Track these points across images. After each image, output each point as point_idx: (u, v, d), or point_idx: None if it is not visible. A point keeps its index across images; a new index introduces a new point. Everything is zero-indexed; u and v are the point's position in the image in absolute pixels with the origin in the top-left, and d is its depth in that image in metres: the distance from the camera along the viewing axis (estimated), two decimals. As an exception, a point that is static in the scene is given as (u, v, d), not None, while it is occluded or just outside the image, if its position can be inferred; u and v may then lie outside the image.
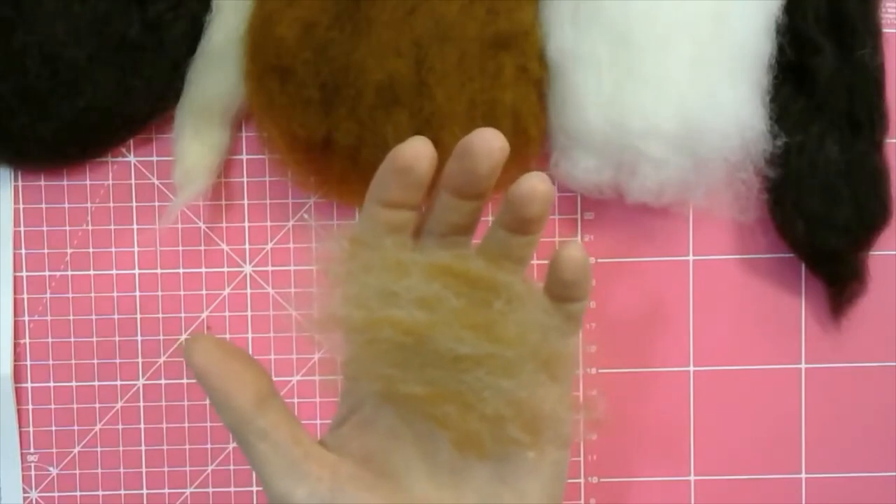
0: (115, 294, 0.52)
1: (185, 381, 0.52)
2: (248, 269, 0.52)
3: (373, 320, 0.35)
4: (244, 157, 0.52)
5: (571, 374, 0.40)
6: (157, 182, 0.52)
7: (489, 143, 0.35)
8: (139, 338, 0.52)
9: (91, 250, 0.52)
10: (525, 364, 0.35)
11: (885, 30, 0.50)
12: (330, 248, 0.37)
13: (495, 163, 0.36)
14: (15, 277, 0.52)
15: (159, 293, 0.52)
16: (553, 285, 0.38)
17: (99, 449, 0.52)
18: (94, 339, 0.52)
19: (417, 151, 0.36)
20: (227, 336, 0.52)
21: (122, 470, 0.52)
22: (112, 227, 0.52)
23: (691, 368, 0.52)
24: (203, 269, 0.52)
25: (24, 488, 0.52)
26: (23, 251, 0.52)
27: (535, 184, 0.36)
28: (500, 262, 0.37)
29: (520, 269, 0.38)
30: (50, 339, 0.52)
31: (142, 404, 0.52)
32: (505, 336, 0.35)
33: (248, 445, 0.36)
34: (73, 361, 0.52)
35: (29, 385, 0.52)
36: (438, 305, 0.34)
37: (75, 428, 0.52)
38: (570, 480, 0.52)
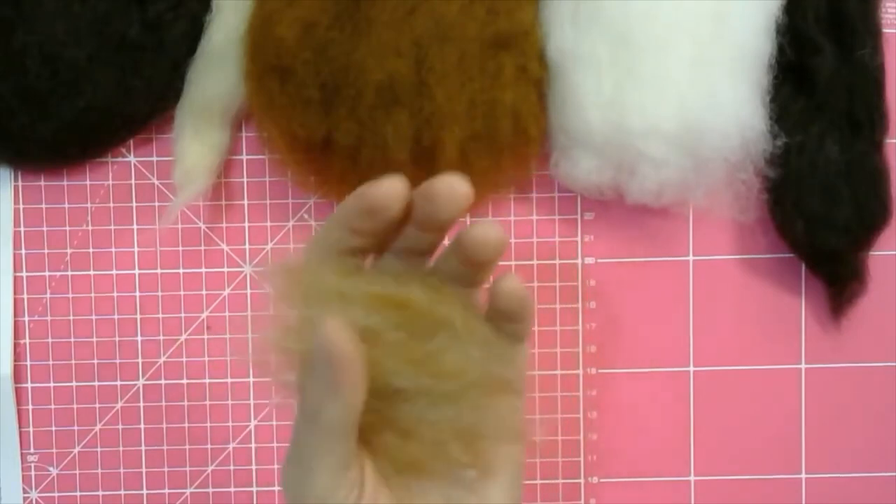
0: (115, 294, 0.52)
1: (185, 381, 0.52)
2: (247, 269, 0.52)
3: (311, 352, 0.35)
4: (244, 157, 0.52)
5: (521, 387, 0.41)
6: (157, 182, 0.52)
7: (453, 190, 0.36)
8: (139, 338, 0.52)
9: (91, 250, 0.52)
10: (466, 393, 0.35)
11: (885, 30, 0.50)
12: (275, 277, 0.37)
13: (458, 209, 0.36)
14: (15, 277, 0.52)
15: (159, 293, 0.52)
16: (493, 313, 0.38)
17: (99, 449, 0.52)
18: (94, 339, 0.52)
19: (390, 194, 0.36)
20: (227, 336, 0.52)
21: (122, 470, 0.52)
22: (112, 227, 0.52)
23: (691, 368, 0.52)
24: (203, 270, 0.52)
25: (24, 488, 0.52)
26: (23, 251, 0.52)
27: (486, 230, 0.36)
28: (452, 283, 0.37)
29: (472, 292, 0.39)
30: (50, 339, 0.52)
31: (142, 404, 0.52)
32: (444, 370, 0.35)
33: (325, 434, 0.35)
34: (73, 361, 0.52)
35: (29, 385, 0.52)
36: (377, 339, 0.35)
37: (75, 428, 0.52)
38: (570, 480, 0.52)
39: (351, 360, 0.34)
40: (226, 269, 0.52)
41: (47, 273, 0.52)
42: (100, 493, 0.52)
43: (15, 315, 0.52)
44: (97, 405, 0.52)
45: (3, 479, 0.52)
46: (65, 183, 0.51)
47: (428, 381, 0.35)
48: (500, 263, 0.40)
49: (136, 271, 0.52)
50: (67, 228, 0.52)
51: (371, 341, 0.34)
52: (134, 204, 0.52)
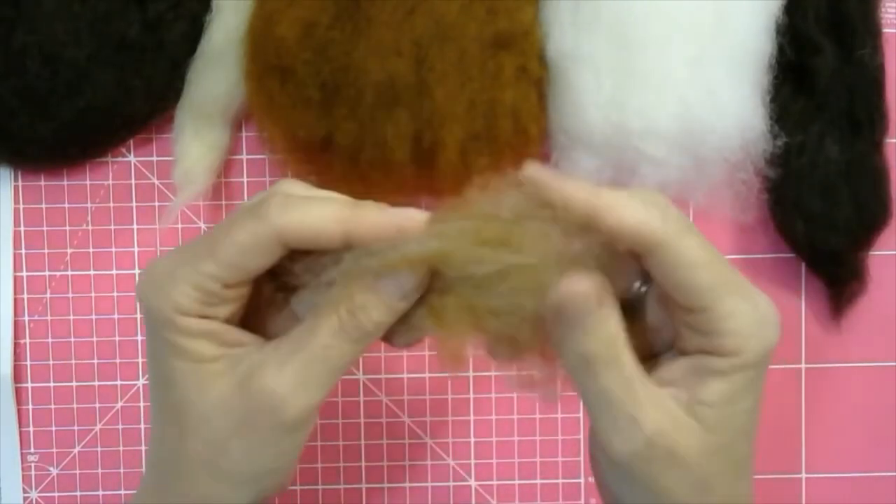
0: (115, 294, 0.52)
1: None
2: (248, 269, 0.52)
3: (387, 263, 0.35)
4: (244, 157, 0.52)
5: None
6: (157, 182, 0.52)
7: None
8: (139, 338, 0.52)
9: (91, 250, 0.52)
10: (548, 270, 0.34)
11: (885, 30, 0.50)
12: None
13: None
14: (15, 277, 0.52)
15: (159, 293, 0.52)
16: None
17: (99, 449, 0.52)
18: (94, 339, 0.52)
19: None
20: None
21: (122, 470, 0.52)
22: (112, 227, 0.52)
23: (691, 368, 0.52)
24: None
25: (24, 488, 0.52)
26: (23, 251, 0.52)
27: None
28: None
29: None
30: (50, 339, 0.52)
31: (142, 404, 0.52)
32: (522, 245, 0.34)
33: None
34: (73, 361, 0.52)
35: (29, 385, 0.52)
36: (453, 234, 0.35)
37: (75, 428, 0.52)
38: (569, 480, 0.52)
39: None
40: (226, 269, 0.52)
41: (47, 273, 0.52)
42: (100, 493, 0.52)
43: (15, 315, 0.52)
44: (97, 405, 0.52)
45: (3, 479, 0.52)
46: (65, 183, 0.51)
47: (510, 258, 0.34)
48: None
49: (136, 271, 0.52)
50: (67, 228, 0.52)
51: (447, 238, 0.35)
52: (134, 204, 0.52)
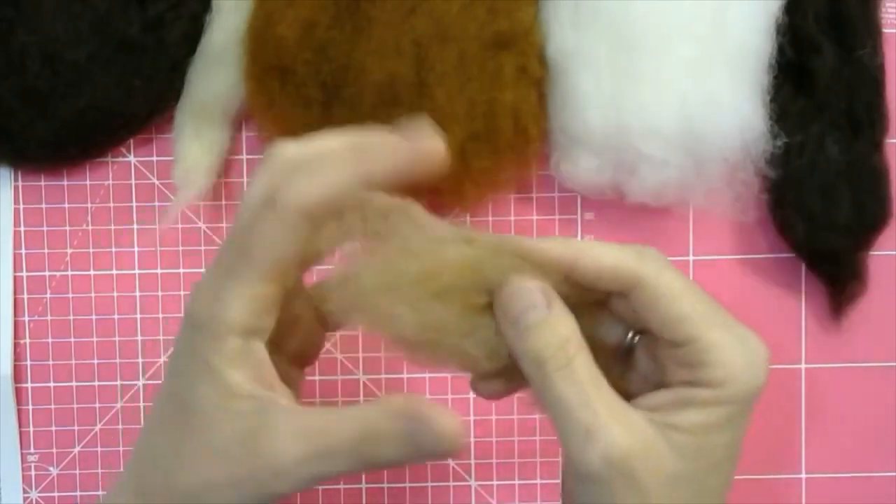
0: (115, 294, 0.52)
1: (185, 381, 0.52)
2: (248, 269, 0.52)
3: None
4: (244, 157, 0.52)
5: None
6: (157, 182, 0.52)
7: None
8: (139, 338, 0.52)
9: (91, 250, 0.52)
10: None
11: (885, 30, 0.50)
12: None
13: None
14: (15, 277, 0.52)
15: (159, 293, 0.52)
16: None
17: (99, 449, 0.52)
18: (94, 339, 0.52)
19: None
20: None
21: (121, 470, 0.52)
22: (112, 227, 0.52)
23: (691, 368, 0.52)
24: (203, 270, 0.52)
25: (24, 488, 0.52)
26: (23, 251, 0.52)
27: None
28: None
29: None
30: (50, 339, 0.52)
31: (142, 404, 0.52)
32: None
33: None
34: (73, 361, 0.52)
35: (29, 385, 0.52)
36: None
37: (75, 428, 0.52)
38: (570, 480, 0.52)
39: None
40: (226, 269, 0.52)
41: (47, 273, 0.52)
42: (100, 493, 0.52)
43: (15, 315, 0.52)
44: (97, 405, 0.52)
45: (3, 479, 0.52)
46: (65, 183, 0.51)
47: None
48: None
49: (136, 271, 0.52)
50: (67, 228, 0.52)
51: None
52: (134, 204, 0.52)
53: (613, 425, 0.33)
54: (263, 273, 0.33)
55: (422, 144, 0.34)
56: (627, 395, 0.35)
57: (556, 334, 0.34)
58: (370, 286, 0.35)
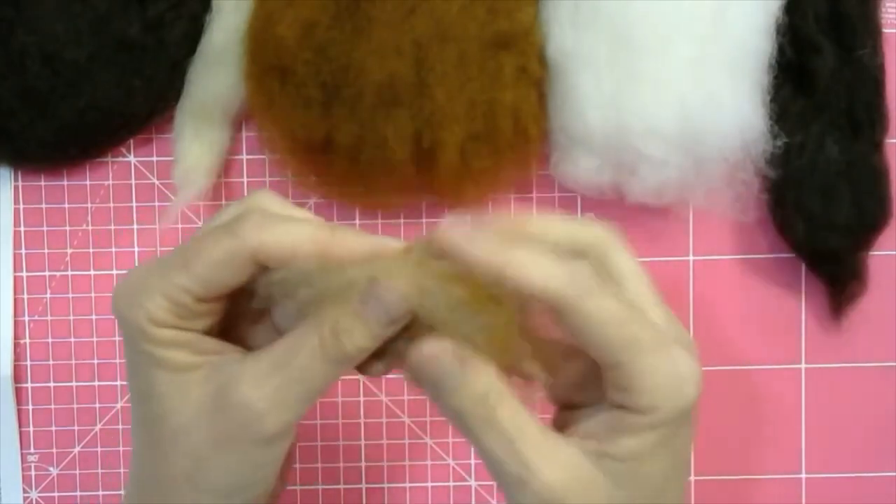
0: (115, 294, 0.52)
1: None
2: (248, 269, 0.52)
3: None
4: (244, 157, 0.52)
5: None
6: (157, 182, 0.52)
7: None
8: (139, 338, 0.52)
9: (91, 250, 0.52)
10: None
11: (885, 30, 0.50)
12: None
13: None
14: (15, 277, 0.52)
15: (159, 293, 0.52)
16: None
17: (99, 449, 0.52)
18: (94, 339, 0.52)
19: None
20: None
21: (122, 470, 0.52)
22: (112, 227, 0.52)
23: (691, 368, 0.52)
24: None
25: (24, 488, 0.52)
26: (23, 251, 0.52)
27: None
28: None
29: None
30: (50, 339, 0.52)
31: (142, 404, 0.52)
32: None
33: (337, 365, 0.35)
34: (73, 361, 0.52)
35: (29, 385, 0.52)
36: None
37: (75, 428, 0.52)
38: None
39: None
40: (226, 269, 0.52)
41: (47, 273, 0.52)
42: (100, 493, 0.52)
43: (15, 315, 0.52)
44: (97, 405, 0.52)
45: (3, 479, 0.52)
46: (65, 183, 0.51)
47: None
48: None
49: (136, 271, 0.52)
50: (67, 228, 0.52)
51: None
52: (134, 204, 0.52)
53: (543, 469, 0.33)
54: (192, 285, 0.34)
55: (382, 245, 0.35)
56: (576, 393, 0.36)
57: (472, 394, 0.34)
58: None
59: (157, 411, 0.35)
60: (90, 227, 0.52)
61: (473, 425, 0.34)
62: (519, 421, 0.34)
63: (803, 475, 0.53)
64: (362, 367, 0.36)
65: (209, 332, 0.36)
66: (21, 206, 0.51)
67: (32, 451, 0.52)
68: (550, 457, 0.34)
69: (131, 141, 0.51)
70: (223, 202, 0.51)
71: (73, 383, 0.52)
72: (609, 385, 0.34)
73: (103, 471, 0.52)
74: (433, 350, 0.34)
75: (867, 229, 0.49)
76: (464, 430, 0.34)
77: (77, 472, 0.52)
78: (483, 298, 0.34)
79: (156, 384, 0.35)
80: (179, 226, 0.51)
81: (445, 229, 0.34)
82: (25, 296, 0.52)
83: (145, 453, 0.36)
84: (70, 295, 0.52)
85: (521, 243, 0.34)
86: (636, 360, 0.33)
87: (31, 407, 0.52)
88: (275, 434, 0.34)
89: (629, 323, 0.33)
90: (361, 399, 0.52)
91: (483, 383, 0.34)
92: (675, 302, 0.52)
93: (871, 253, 0.50)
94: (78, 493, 0.52)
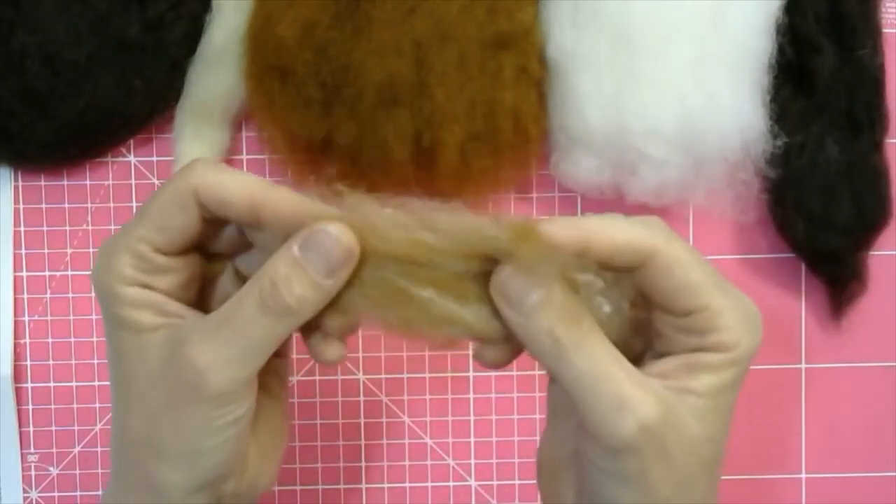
0: (115, 294, 0.52)
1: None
2: (248, 269, 0.52)
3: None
4: (244, 157, 0.52)
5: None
6: (157, 182, 0.52)
7: None
8: (139, 338, 0.52)
9: (91, 250, 0.52)
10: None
11: (885, 30, 0.50)
12: None
13: None
14: (15, 277, 0.52)
15: (159, 293, 0.52)
16: None
17: (99, 449, 0.52)
18: (94, 339, 0.52)
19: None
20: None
21: (122, 470, 0.52)
22: (112, 227, 0.52)
23: (691, 368, 0.52)
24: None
25: (24, 488, 0.52)
26: (23, 251, 0.52)
27: None
28: None
29: None
30: (50, 339, 0.52)
31: (142, 404, 0.52)
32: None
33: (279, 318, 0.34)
34: (73, 361, 0.52)
35: (29, 385, 0.52)
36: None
37: (75, 428, 0.52)
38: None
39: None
40: (226, 269, 0.52)
41: (47, 273, 0.52)
42: (100, 492, 0.52)
43: (15, 315, 0.52)
44: (97, 405, 0.52)
45: (3, 479, 0.52)
46: (65, 183, 0.52)
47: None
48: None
49: (136, 271, 0.52)
50: (67, 228, 0.52)
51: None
52: (134, 204, 0.52)
53: (643, 395, 0.33)
54: (147, 232, 0.35)
55: (314, 211, 0.35)
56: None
57: (564, 310, 0.34)
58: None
59: (123, 373, 0.36)
60: (90, 227, 0.52)
61: (568, 346, 0.33)
62: (610, 347, 0.34)
63: (803, 475, 0.53)
64: (319, 323, 0.36)
65: (174, 295, 0.36)
66: (21, 206, 0.51)
67: (32, 451, 0.52)
68: (645, 386, 0.34)
69: (131, 141, 0.51)
70: (223, 202, 0.51)
71: (73, 383, 0.52)
72: (681, 333, 0.35)
73: (103, 471, 0.52)
74: (518, 267, 0.33)
75: (867, 229, 0.49)
76: (554, 353, 0.33)
77: (77, 472, 0.52)
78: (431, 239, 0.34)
79: (121, 345, 0.35)
80: (179, 226, 0.51)
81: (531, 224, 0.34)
82: (25, 296, 0.52)
83: (115, 417, 0.37)
84: (70, 295, 0.52)
85: (588, 218, 0.35)
86: (719, 301, 0.34)
87: (31, 407, 0.52)
88: (219, 392, 0.34)
89: (705, 265, 0.35)
90: (361, 399, 0.52)
91: (572, 303, 0.34)
92: (675, 302, 0.52)
93: (871, 253, 0.50)
94: (78, 493, 0.52)
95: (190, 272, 0.37)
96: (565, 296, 0.34)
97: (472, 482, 0.53)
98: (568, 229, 0.34)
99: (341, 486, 0.53)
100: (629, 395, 0.33)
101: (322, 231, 0.34)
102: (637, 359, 0.36)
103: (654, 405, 0.33)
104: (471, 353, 0.37)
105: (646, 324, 0.36)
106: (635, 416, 0.33)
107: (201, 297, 0.38)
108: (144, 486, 0.36)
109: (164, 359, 0.35)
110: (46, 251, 0.52)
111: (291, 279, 0.34)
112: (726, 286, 0.35)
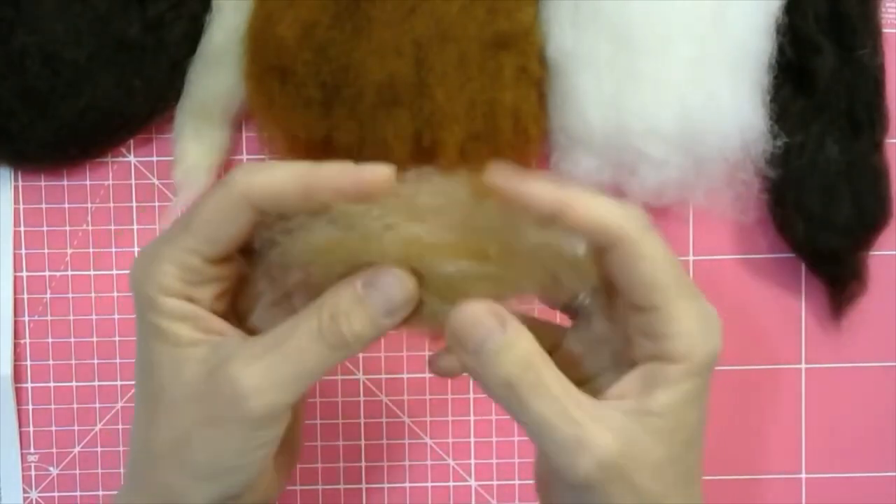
0: (115, 294, 0.52)
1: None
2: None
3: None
4: (244, 157, 0.52)
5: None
6: (156, 182, 0.52)
7: None
8: (139, 338, 0.52)
9: (91, 250, 0.52)
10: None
11: (885, 30, 0.50)
12: None
13: None
14: (15, 277, 0.52)
15: (159, 293, 0.52)
16: None
17: (99, 449, 0.52)
18: (94, 339, 0.52)
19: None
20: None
21: (122, 470, 0.52)
22: (112, 227, 0.52)
23: (691, 368, 0.52)
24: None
25: (24, 488, 0.52)
26: (23, 251, 0.52)
27: None
28: None
29: None
30: (50, 339, 0.52)
31: (142, 404, 0.52)
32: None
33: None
34: (73, 361, 0.52)
35: (29, 385, 0.52)
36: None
37: (75, 428, 0.52)
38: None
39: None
40: (226, 269, 0.52)
41: (47, 273, 0.52)
42: (100, 492, 0.52)
43: (15, 315, 0.52)
44: (97, 405, 0.52)
45: (3, 479, 0.52)
46: (65, 183, 0.51)
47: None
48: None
49: (136, 271, 0.52)
50: (67, 228, 0.52)
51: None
52: (134, 204, 0.52)
53: (599, 433, 0.33)
54: (197, 244, 0.35)
55: (367, 171, 0.35)
56: (582, 363, 0.36)
57: (519, 355, 0.34)
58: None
59: (155, 384, 0.35)
60: (90, 227, 0.52)
61: (523, 392, 0.33)
62: (566, 385, 0.34)
63: (803, 475, 0.53)
64: None
65: (216, 309, 0.36)
66: (21, 206, 0.51)
67: (32, 451, 0.52)
68: (603, 420, 0.33)
69: (131, 141, 0.51)
70: (223, 202, 0.51)
71: (73, 383, 0.52)
72: (642, 335, 0.34)
73: (103, 471, 0.52)
74: (475, 312, 0.34)
75: (867, 229, 0.49)
76: (510, 399, 0.34)
77: (77, 472, 0.52)
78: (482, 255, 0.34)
79: (156, 356, 0.35)
80: (179, 226, 0.51)
81: (497, 169, 0.35)
82: (25, 296, 0.52)
83: (140, 427, 0.36)
84: (70, 295, 0.52)
85: (573, 186, 0.35)
86: (674, 303, 0.34)
87: (31, 407, 0.52)
88: (261, 415, 0.34)
89: (673, 265, 0.34)
90: (361, 399, 0.52)
91: (527, 343, 0.34)
92: (675, 302, 0.52)
93: (871, 253, 0.50)
94: (78, 493, 0.52)
95: (233, 278, 0.37)
96: (520, 334, 0.34)
97: (472, 482, 0.53)
98: (546, 191, 0.34)
99: (341, 486, 0.53)
100: (586, 434, 0.33)
101: (387, 272, 0.34)
102: (602, 371, 0.36)
103: (611, 440, 0.33)
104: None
105: (613, 332, 0.36)
106: (592, 453, 0.33)
107: (241, 313, 0.38)
108: (162, 496, 0.35)
109: (203, 375, 0.34)
110: (46, 251, 0.52)
111: (351, 315, 0.34)
112: (691, 292, 0.35)
